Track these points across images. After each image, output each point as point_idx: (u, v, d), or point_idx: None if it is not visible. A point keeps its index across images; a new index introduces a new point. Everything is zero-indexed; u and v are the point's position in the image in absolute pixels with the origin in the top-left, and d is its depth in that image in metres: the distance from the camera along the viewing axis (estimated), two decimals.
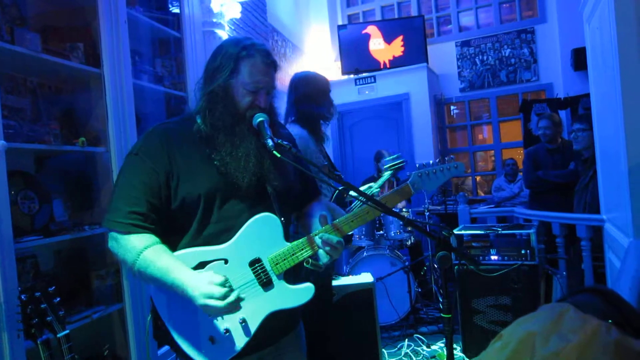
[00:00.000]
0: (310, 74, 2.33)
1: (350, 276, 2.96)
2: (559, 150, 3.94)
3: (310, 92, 2.23)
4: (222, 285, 1.15)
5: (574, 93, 5.45)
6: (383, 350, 3.13)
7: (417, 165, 1.40)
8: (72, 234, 2.00)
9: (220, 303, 1.12)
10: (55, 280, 2.02)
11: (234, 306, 1.16)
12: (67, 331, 1.45)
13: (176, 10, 3.00)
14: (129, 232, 1.20)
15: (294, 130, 2.06)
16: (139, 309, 2.23)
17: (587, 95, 4.99)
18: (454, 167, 1.39)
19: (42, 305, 1.41)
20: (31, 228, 1.88)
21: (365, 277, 2.90)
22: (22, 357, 1.62)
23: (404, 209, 4.21)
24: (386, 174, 2.90)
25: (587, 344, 0.59)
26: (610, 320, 0.62)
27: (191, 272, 1.19)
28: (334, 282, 2.61)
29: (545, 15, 6.07)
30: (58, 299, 1.45)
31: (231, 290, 1.16)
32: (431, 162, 1.40)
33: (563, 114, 5.43)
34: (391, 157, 2.85)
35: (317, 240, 1.24)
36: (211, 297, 1.12)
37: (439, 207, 4.91)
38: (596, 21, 2.42)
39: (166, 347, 2.29)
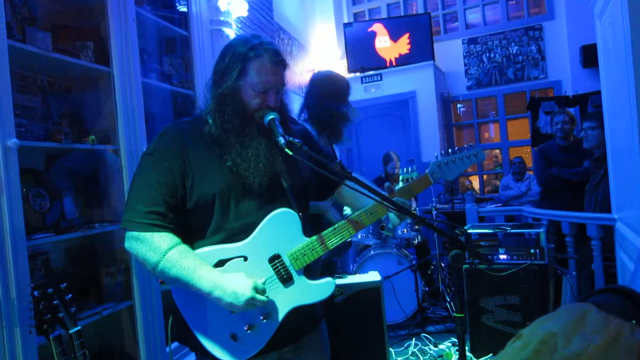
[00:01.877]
0: (330, 74, 2.32)
1: (358, 275, 2.96)
2: (571, 148, 3.88)
3: (327, 91, 2.21)
4: (264, 283, 1.21)
5: (583, 90, 5.41)
6: (390, 349, 3.13)
7: (435, 155, 1.38)
8: (83, 231, 2.01)
9: (265, 298, 1.17)
10: (66, 277, 2.03)
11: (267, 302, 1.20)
12: (78, 327, 1.45)
13: (183, 9, 3.00)
14: (148, 232, 1.20)
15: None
16: (148, 307, 2.24)
17: (597, 93, 4.96)
18: (474, 155, 1.35)
19: (55, 302, 1.41)
20: (42, 225, 1.89)
21: (373, 276, 2.89)
22: (34, 353, 1.63)
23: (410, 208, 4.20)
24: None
25: (611, 345, 0.58)
26: (634, 321, 0.61)
27: (220, 272, 1.20)
28: (340, 281, 2.61)
29: (553, 12, 6.02)
30: (70, 295, 1.46)
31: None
32: (450, 150, 1.37)
33: (572, 111, 5.40)
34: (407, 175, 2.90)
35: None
36: (258, 291, 1.17)
37: (446, 206, 4.89)
38: (608, 17, 2.39)
39: (175, 344, 2.30)
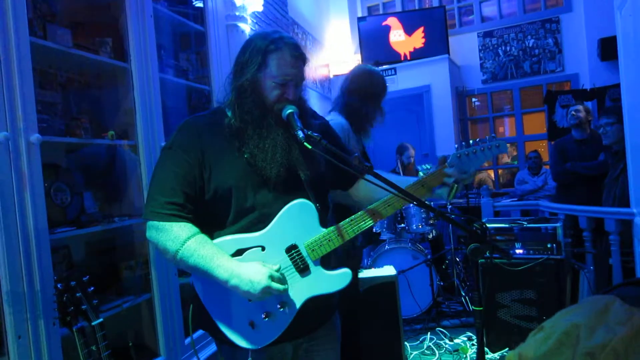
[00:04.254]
0: (371, 71, 2.26)
1: (373, 269, 2.96)
2: (587, 141, 3.83)
3: (361, 89, 2.18)
4: (278, 270, 1.24)
5: (601, 84, 5.31)
6: (405, 343, 3.13)
7: (455, 146, 1.35)
8: (103, 225, 2.05)
9: (281, 286, 1.19)
10: (87, 270, 2.06)
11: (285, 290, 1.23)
12: (101, 319, 1.48)
13: (199, 4, 3.02)
14: (168, 222, 1.23)
15: (336, 118, 2.03)
16: (166, 299, 2.28)
17: (615, 86, 4.87)
18: (496, 146, 1.30)
19: (77, 294, 1.44)
20: (64, 219, 1.93)
21: (388, 270, 2.90)
22: (57, 344, 1.67)
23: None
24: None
25: (635, 337, 0.58)
26: None
27: (237, 261, 1.23)
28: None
29: (570, 4, 5.91)
30: (92, 288, 1.49)
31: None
32: (471, 142, 1.32)
33: (589, 105, 5.31)
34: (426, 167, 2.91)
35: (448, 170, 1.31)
36: (274, 279, 1.19)
37: (461, 200, 4.85)
38: (629, 8, 2.34)
39: (196, 334, 2.34)
